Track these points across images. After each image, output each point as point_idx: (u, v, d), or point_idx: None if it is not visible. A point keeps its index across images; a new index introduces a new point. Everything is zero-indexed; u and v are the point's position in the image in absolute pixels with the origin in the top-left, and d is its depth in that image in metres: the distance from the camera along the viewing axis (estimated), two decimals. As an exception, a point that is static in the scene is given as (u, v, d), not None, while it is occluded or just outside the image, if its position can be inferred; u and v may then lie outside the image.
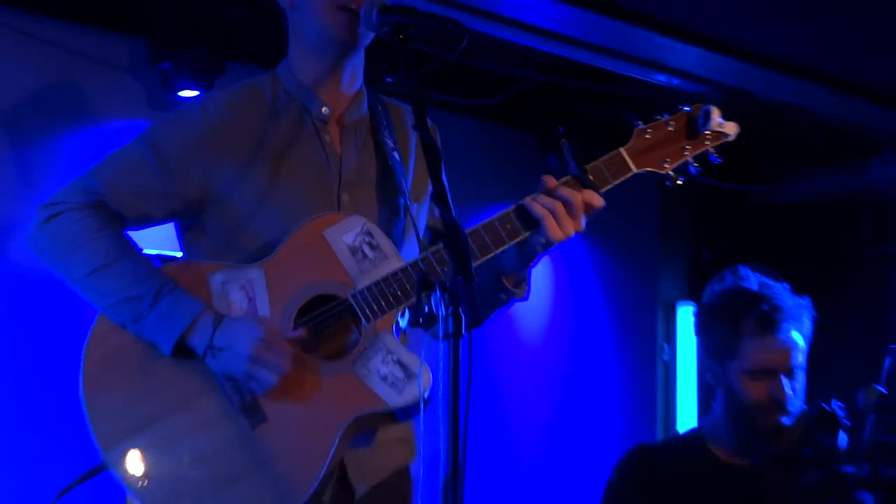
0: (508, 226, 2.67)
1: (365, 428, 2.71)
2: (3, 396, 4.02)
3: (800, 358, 3.40)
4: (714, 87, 4.66)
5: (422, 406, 2.59)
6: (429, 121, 2.60)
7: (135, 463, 2.56)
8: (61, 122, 4.08)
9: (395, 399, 2.63)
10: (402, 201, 2.86)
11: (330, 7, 2.70)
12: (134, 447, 2.56)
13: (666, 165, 2.81)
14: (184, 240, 2.82)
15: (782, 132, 5.51)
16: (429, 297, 2.24)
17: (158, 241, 2.80)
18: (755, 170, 5.88)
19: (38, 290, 4.02)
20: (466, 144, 2.37)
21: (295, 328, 2.63)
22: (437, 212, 2.41)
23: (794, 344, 3.38)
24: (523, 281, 2.80)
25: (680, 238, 5.81)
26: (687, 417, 5.55)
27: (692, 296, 5.57)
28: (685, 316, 5.61)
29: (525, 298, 2.84)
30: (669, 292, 5.71)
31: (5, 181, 4.02)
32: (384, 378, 2.65)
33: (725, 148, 2.86)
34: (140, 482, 2.55)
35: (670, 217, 5.77)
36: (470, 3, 4.14)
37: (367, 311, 2.64)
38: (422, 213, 2.87)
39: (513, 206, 2.67)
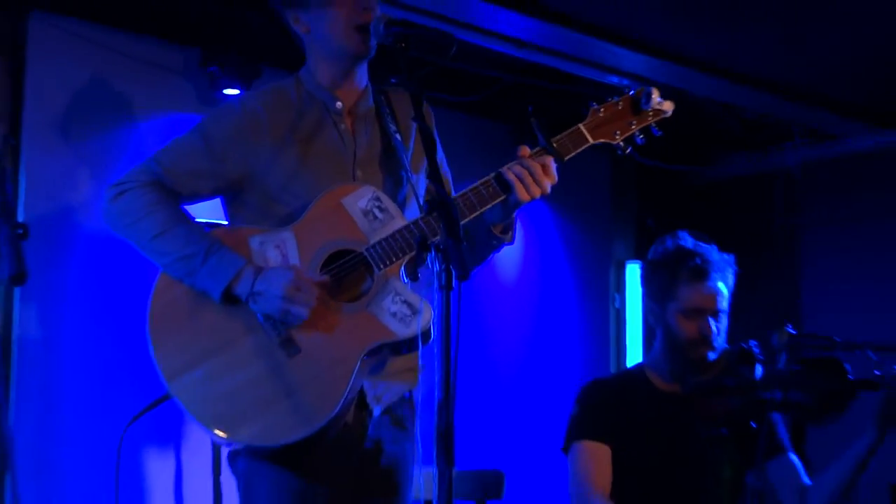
0: (490, 189, 2.69)
1: (379, 358, 2.71)
2: (86, 345, 3.99)
3: (724, 303, 3.38)
4: (656, 86, 4.60)
5: (419, 338, 2.63)
6: (427, 105, 2.77)
7: (193, 391, 2.57)
8: (126, 117, 4.07)
9: (403, 331, 2.64)
10: (403, 174, 2.86)
11: (347, 28, 2.71)
12: (192, 378, 2.57)
13: (616, 137, 2.84)
14: (228, 211, 2.81)
15: (712, 123, 5.51)
16: (426, 255, 2.27)
17: (209, 213, 2.80)
18: (690, 154, 5.87)
19: (108, 257, 3.99)
20: (454, 134, 2.42)
21: (320, 276, 2.63)
22: (432, 186, 2.33)
23: (719, 291, 3.37)
24: (510, 228, 2.81)
25: (629, 209, 5.81)
26: (633, 353, 5.57)
27: (638, 255, 5.58)
28: (633, 272, 5.61)
29: (512, 242, 2.84)
30: (620, 252, 5.71)
31: (80, 168, 3.98)
32: (394, 314, 2.66)
33: (666, 130, 2.89)
34: (197, 407, 2.56)
35: (621, 192, 5.78)
36: (456, 17, 4.10)
37: (378, 261, 2.65)
38: (420, 183, 2.87)
39: (493, 174, 2.69)
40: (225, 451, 2.76)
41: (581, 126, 2.78)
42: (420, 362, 2.77)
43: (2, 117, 3.79)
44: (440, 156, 2.89)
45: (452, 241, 2.21)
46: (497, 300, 5.13)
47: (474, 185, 2.69)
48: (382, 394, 2.73)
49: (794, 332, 3.22)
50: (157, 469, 4.12)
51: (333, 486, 2.66)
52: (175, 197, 2.67)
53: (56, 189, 3.92)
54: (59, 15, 3.91)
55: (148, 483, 4.09)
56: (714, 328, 3.33)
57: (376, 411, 2.71)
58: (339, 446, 2.65)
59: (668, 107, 2.86)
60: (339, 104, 2.80)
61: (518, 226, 2.85)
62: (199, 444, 4.12)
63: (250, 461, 2.66)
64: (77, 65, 3.97)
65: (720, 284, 3.36)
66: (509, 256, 5.17)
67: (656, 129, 2.86)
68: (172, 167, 2.68)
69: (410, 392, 2.82)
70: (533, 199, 2.70)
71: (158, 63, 4.14)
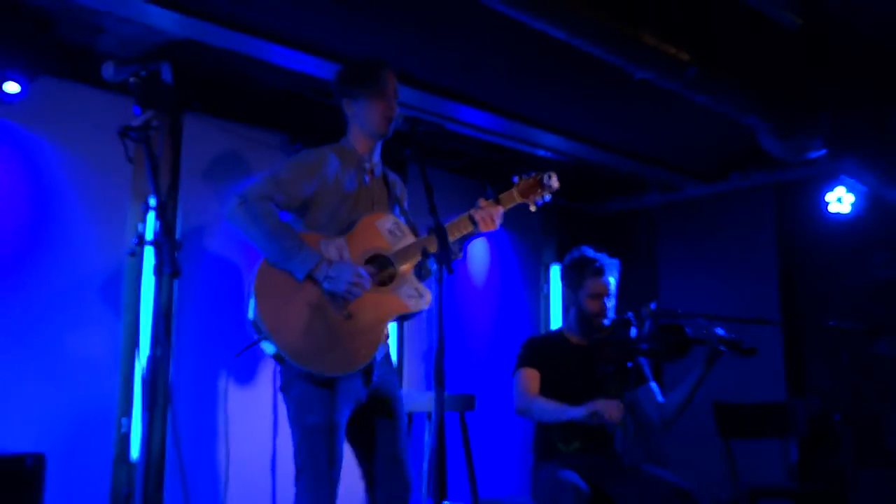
0: (464, 223, 2.76)
1: (392, 323, 2.74)
2: (211, 312, 3.94)
3: (613, 290, 3.49)
4: (565, 154, 4.65)
5: (422, 311, 2.69)
6: (396, 177, 2.91)
7: (283, 335, 2.53)
8: (243, 173, 4.05)
9: (415, 306, 2.69)
10: (396, 210, 2.90)
11: (380, 118, 2.74)
12: (282, 326, 2.54)
13: (529, 199, 2.90)
14: (298, 225, 2.73)
15: (601, 177, 5.49)
16: (428, 258, 2.38)
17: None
18: (588, 196, 5.86)
19: (226, 260, 3.99)
20: (440, 188, 2.46)
21: (367, 270, 2.65)
22: (433, 222, 2.42)
23: (610, 283, 3.49)
24: (461, 250, 2.84)
25: (552, 230, 5.71)
26: (555, 320, 5.49)
27: (558, 260, 5.48)
28: (555, 271, 5.55)
29: (463, 258, 2.87)
30: (547, 258, 5.63)
31: (208, 204, 3.97)
32: (410, 296, 2.70)
33: (572, 180, 3.11)
34: (285, 343, 2.52)
35: (547, 220, 5.70)
36: (441, 112, 4.13)
37: (399, 261, 2.69)
38: (406, 217, 2.93)
39: (466, 214, 2.77)
40: (279, 382, 2.65)
41: (513, 190, 2.86)
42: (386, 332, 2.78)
43: (166, 174, 3.79)
44: (407, 204, 2.94)
45: (443, 252, 2.30)
46: (471, 288, 5.14)
47: (454, 219, 2.75)
48: (380, 349, 2.70)
49: (654, 307, 3.32)
50: (256, 395, 4.04)
51: (355, 400, 2.64)
52: (275, 207, 2.63)
53: (197, 213, 3.92)
54: (201, 113, 3.97)
55: (249, 405, 4.00)
56: (607, 305, 3.44)
57: (378, 358, 2.69)
58: (361, 376, 2.64)
59: (556, 185, 2.92)
60: (367, 165, 2.80)
61: (482, 239, 2.92)
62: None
63: (303, 386, 2.58)
64: (212, 142, 4.01)
65: (611, 279, 3.47)
66: (480, 260, 5.20)
67: (548, 197, 2.92)
68: (274, 188, 2.64)
69: (388, 349, 2.80)
70: (492, 230, 2.79)
71: (265, 142, 4.16)
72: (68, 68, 3.53)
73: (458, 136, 4.54)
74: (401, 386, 2.89)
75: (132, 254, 1.89)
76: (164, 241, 1.81)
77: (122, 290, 3.62)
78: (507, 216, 2.83)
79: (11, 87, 3.30)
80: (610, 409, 3.09)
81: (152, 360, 1.78)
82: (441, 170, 4.79)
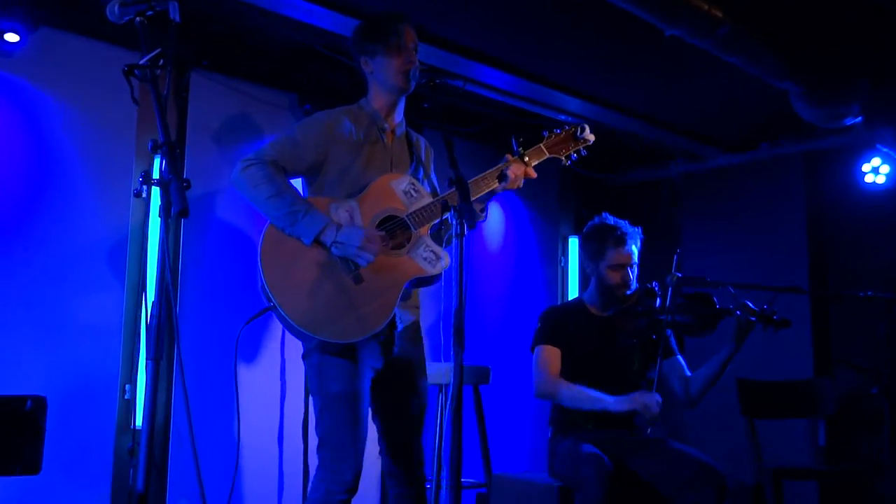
0: (490, 178, 2.70)
1: (412, 289, 2.68)
2: (219, 274, 3.86)
3: (636, 259, 3.41)
4: (588, 121, 4.56)
5: (442, 275, 2.62)
6: (423, 139, 2.90)
7: (290, 303, 2.48)
8: (253, 134, 4.00)
9: (431, 270, 2.62)
10: (420, 173, 2.83)
11: (398, 72, 2.67)
12: (290, 294, 2.49)
13: (561, 154, 2.83)
14: (309, 188, 2.73)
15: (623, 146, 5.41)
16: (447, 212, 2.31)
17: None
18: (609, 166, 5.76)
19: (234, 221, 3.92)
20: (460, 153, 2.40)
21: (379, 232, 2.59)
22: (453, 173, 2.33)
23: (633, 252, 3.41)
24: (484, 210, 2.76)
25: (570, 202, 5.65)
26: (572, 293, 5.44)
27: (576, 232, 5.46)
28: (573, 243, 5.50)
29: (485, 220, 2.80)
30: (565, 230, 5.58)
31: (217, 165, 3.88)
32: (425, 259, 2.63)
33: (593, 150, 2.94)
34: (293, 313, 2.47)
35: (565, 191, 5.64)
36: (462, 73, 4.06)
37: (414, 223, 2.63)
38: (429, 180, 2.88)
39: (494, 169, 2.72)
40: (293, 344, 2.67)
41: (541, 145, 2.80)
42: (419, 303, 2.76)
43: (172, 134, 3.67)
44: (433, 167, 2.90)
45: (465, 204, 2.23)
46: (487, 260, 5.08)
47: (480, 175, 2.68)
48: (403, 317, 2.68)
49: (679, 275, 3.23)
50: (264, 365, 3.99)
51: (376, 369, 2.61)
52: (283, 171, 2.60)
53: (205, 179, 3.82)
54: (209, 72, 3.88)
55: (257, 375, 3.96)
56: (630, 275, 3.35)
57: (399, 327, 2.66)
58: (379, 346, 2.61)
59: (592, 137, 2.86)
60: (386, 125, 2.75)
61: (497, 208, 2.87)
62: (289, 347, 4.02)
63: (321, 355, 2.56)
64: (220, 102, 3.92)
65: (633, 247, 3.37)
66: (497, 230, 5.11)
67: (584, 150, 2.87)
68: (282, 151, 2.61)
69: (417, 320, 2.76)
70: (517, 188, 2.72)
71: (273, 102, 4.07)
72: (70, 20, 3.45)
73: (478, 98, 4.45)
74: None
75: (137, 194, 1.79)
76: (172, 179, 1.69)
77: (127, 250, 3.55)
78: (524, 186, 2.76)
79: (11, 38, 3.23)
80: (651, 406, 3.03)
81: (157, 306, 1.67)
82: (459, 137, 4.69)
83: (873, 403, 3.46)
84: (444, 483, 3.40)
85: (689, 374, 3.33)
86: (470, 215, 2.19)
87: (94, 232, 3.49)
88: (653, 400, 3.05)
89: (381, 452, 2.72)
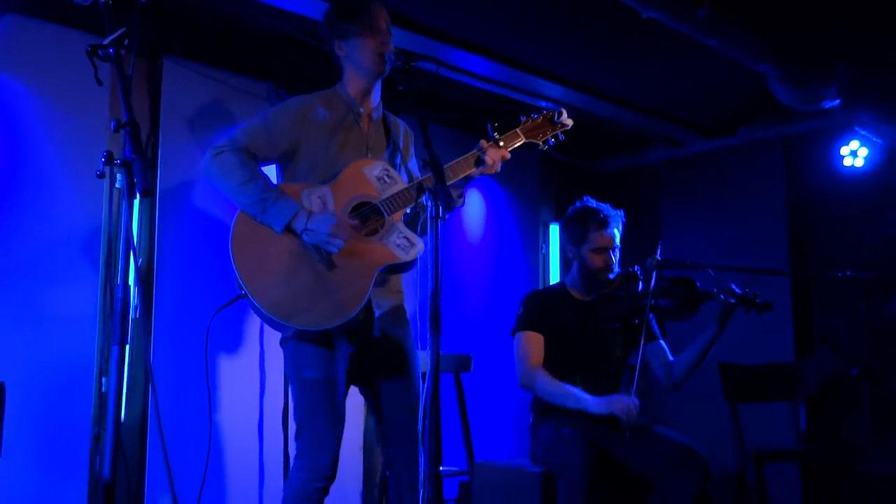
0: (467, 163, 2.66)
1: (384, 275, 2.64)
2: (193, 262, 3.79)
3: (618, 243, 3.40)
4: (568, 107, 4.53)
5: (416, 262, 2.60)
6: (402, 123, 2.87)
7: (262, 291, 2.47)
8: (227, 122, 3.90)
9: (404, 256, 2.59)
10: (398, 159, 2.80)
11: (373, 54, 2.64)
12: (261, 282, 2.47)
13: (538, 139, 2.80)
14: (282, 174, 2.71)
15: (604, 132, 5.39)
16: (422, 195, 2.26)
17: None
18: (590, 153, 5.75)
19: (208, 209, 3.86)
20: (436, 139, 2.37)
21: (351, 219, 2.57)
22: (427, 154, 2.32)
23: (615, 235, 3.39)
24: (462, 196, 2.73)
25: (550, 189, 5.65)
26: (555, 279, 5.42)
27: (557, 219, 5.47)
28: (554, 229, 5.49)
29: (463, 205, 2.78)
30: (545, 216, 5.58)
31: (191, 155, 3.80)
32: (399, 245, 2.60)
33: (573, 136, 2.92)
34: (265, 301, 2.46)
35: (546, 177, 5.63)
36: (440, 57, 4.02)
37: (388, 209, 2.61)
38: (406, 167, 2.85)
39: (472, 153, 2.69)
40: (272, 335, 2.65)
41: (518, 129, 2.77)
42: (402, 287, 2.75)
43: (145, 123, 3.63)
44: (412, 151, 2.88)
45: (440, 186, 2.21)
46: (467, 248, 5.05)
47: (456, 160, 2.65)
48: (380, 303, 2.65)
49: (659, 258, 3.22)
50: (242, 355, 3.95)
51: (353, 354, 2.58)
52: (254, 158, 2.57)
53: (180, 167, 3.76)
54: (182, 58, 3.80)
55: (235, 366, 3.91)
56: (613, 258, 3.33)
57: (377, 313, 2.64)
58: (356, 331, 2.58)
59: (570, 122, 2.84)
60: (361, 110, 2.72)
61: (477, 195, 2.84)
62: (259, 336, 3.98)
63: (297, 342, 2.56)
64: (195, 90, 3.85)
65: (616, 231, 3.36)
66: (478, 218, 5.09)
67: (562, 135, 2.84)
68: (253, 138, 2.59)
69: (401, 305, 2.74)
70: (495, 172, 2.70)
71: (249, 91, 4.01)
72: (37, 5, 3.37)
73: (454, 84, 4.40)
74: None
75: (100, 175, 1.75)
76: (136, 159, 1.65)
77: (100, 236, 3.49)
78: (504, 173, 2.72)
79: (-24, 24, 3.15)
80: (629, 411, 3.01)
81: (122, 289, 1.62)
82: (439, 124, 4.64)
83: (853, 385, 3.47)
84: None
85: (671, 358, 3.32)
86: (445, 197, 2.18)
87: (70, 219, 3.43)
88: (632, 404, 3.03)
89: (378, 442, 2.70)
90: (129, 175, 1.64)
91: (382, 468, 2.69)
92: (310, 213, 2.50)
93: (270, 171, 2.71)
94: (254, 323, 3.94)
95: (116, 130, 1.65)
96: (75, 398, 3.36)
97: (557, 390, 3.16)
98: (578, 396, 3.12)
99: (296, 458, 2.54)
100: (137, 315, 3.23)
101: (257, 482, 3.88)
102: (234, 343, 3.91)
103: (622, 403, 3.03)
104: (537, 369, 3.22)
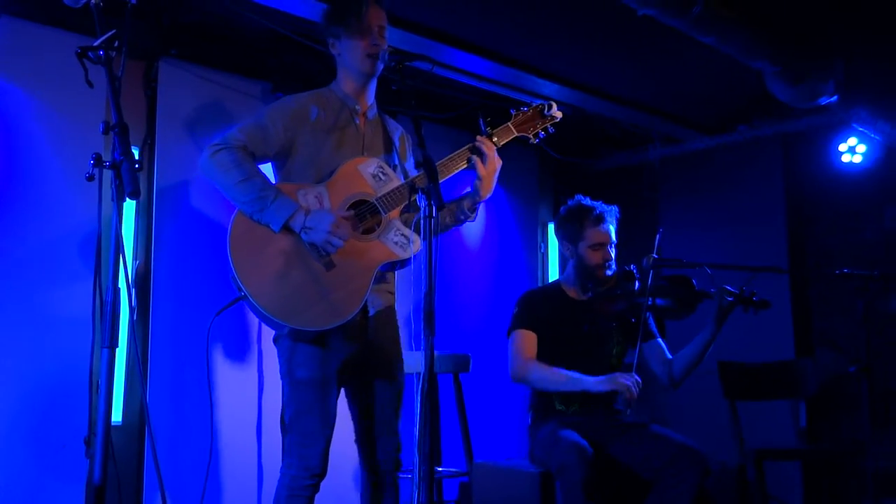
0: (459, 158, 2.67)
1: (385, 272, 2.64)
2: (188, 262, 3.78)
3: (613, 239, 3.38)
4: (566, 106, 4.51)
5: (412, 259, 2.58)
6: (396, 124, 2.85)
7: (261, 291, 2.45)
8: (224, 123, 3.85)
9: (402, 254, 2.59)
10: (395, 158, 2.78)
11: (363, 55, 2.64)
12: (260, 282, 2.46)
13: (529, 132, 2.79)
14: (279, 173, 2.70)
15: (601, 131, 5.37)
16: (415, 193, 2.26)
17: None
18: (587, 151, 5.70)
19: (205, 209, 3.84)
20: (432, 138, 2.35)
21: (348, 217, 2.56)
22: (419, 153, 2.33)
23: (610, 230, 3.38)
24: (474, 210, 2.72)
25: (548, 188, 5.63)
26: (552, 277, 5.41)
27: (555, 218, 5.45)
28: (552, 229, 5.39)
29: (474, 220, 2.78)
30: (544, 216, 5.57)
31: (188, 155, 3.80)
32: (396, 243, 2.60)
33: (569, 134, 3.02)
34: (264, 301, 2.44)
35: (544, 177, 5.60)
36: (429, 54, 3.90)
37: (384, 207, 2.60)
38: (403, 167, 2.83)
39: (467, 147, 2.68)
40: (271, 335, 2.63)
41: (509, 123, 2.76)
42: (395, 288, 2.75)
43: (141, 124, 3.64)
44: (410, 152, 2.87)
45: (432, 185, 2.20)
46: (466, 247, 5.04)
47: (449, 156, 2.65)
48: (375, 303, 2.65)
49: (656, 257, 3.20)
50: (242, 352, 3.93)
51: (346, 354, 2.57)
52: (252, 156, 2.56)
53: (177, 168, 3.76)
54: (177, 59, 3.80)
55: (233, 367, 3.90)
56: (610, 254, 3.32)
57: (371, 312, 2.63)
58: (351, 331, 2.56)
59: (559, 115, 2.83)
60: (358, 107, 2.72)
61: (482, 206, 2.81)
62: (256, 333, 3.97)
63: (291, 341, 2.55)
64: (191, 91, 3.85)
65: (611, 227, 3.34)
66: (477, 219, 5.06)
67: (552, 128, 2.83)
68: (251, 136, 2.57)
69: (392, 305, 2.73)
70: (496, 165, 2.63)
71: (245, 91, 4.01)
72: (31, 9, 3.36)
73: (450, 83, 4.38)
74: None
75: (89, 177, 1.75)
76: (123, 160, 1.64)
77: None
78: (503, 173, 2.70)
79: (-30, 27, 3.14)
80: (630, 386, 2.99)
81: (111, 291, 1.61)
82: (434, 123, 4.62)
83: (853, 382, 3.45)
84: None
85: (669, 356, 3.31)
86: (437, 196, 2.17)
87: (66, 221, 3.41)
88: (632, 380, 3.01)
89: (355, 440, 2.69)
90: (117, 177, 1.63)
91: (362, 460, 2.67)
92: (307, 212, 2.49)
93: (268, 171, 2.70)
94: (252, 323, 3.93)
95: (105, 132, 1.64)
96: (72, 401, 3.33)
97: (553, 376, 3.16)
98: (576, 377, 3.11)
99: (284, 456, 2.54)
100: (136, 317, 3.20)
101: (256, 482, 3.87)
102: (232, 344, 3.90)
103: (621, 379, 3.02)
104: (530, 360, 3.21)
